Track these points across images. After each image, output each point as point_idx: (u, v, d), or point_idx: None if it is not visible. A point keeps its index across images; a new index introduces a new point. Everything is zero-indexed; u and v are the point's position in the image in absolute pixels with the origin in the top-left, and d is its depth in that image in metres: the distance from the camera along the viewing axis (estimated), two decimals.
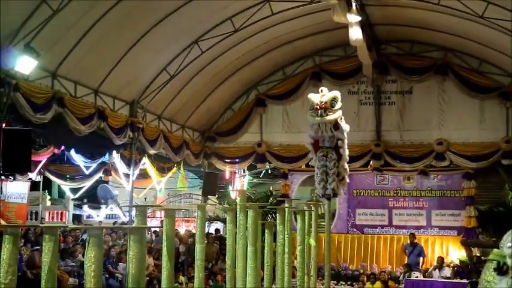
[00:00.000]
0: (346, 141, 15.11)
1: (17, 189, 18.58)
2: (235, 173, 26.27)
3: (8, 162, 13.58)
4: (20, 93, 14.00)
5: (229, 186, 25.84)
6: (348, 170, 15.71)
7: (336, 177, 14.97)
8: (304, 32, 21.02)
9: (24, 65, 13.51)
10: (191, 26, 18.16)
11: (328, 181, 14.89)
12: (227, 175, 25.92)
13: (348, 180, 15.99)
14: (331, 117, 14.20)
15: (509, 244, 4.67)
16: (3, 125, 13.62)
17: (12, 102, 13.87)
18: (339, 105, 14.48)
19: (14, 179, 16.02)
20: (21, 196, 18.93)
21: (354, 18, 16.73)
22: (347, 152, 15.43)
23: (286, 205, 13.59)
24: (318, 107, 14.15)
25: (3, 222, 12.91)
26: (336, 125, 14.56)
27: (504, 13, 16.64)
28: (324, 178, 14.96)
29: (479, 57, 21.59)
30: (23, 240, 15.85)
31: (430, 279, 18.96)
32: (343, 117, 14.75)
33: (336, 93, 14.68)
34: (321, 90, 14.51)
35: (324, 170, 14.94)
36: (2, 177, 14.24)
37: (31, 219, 19.91)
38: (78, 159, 20.44)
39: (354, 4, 16.78)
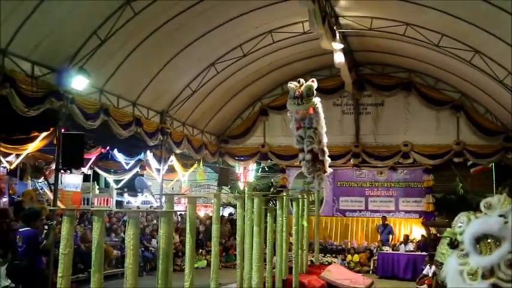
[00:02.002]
0: (322, 121, 15.10)
1: (73, 180, 18.68)
2: (244, 169, 26.33)
3: (66, 160, 13.65)
4: (75, 105, 14.05)
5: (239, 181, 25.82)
6: (324, 142, 15.78)
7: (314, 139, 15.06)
8: (298, 56, 21.00)
9: (79, 83, 13.53)
10: (209, 52, 18.16)
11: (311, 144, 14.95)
12: (238, 170, 25.98)
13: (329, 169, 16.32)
14: (306, 105, 14.21)
15: (459, 224, 4.69)
16: (63, 130, 13.70)
17: (69, 113, 13.88)
18: (314, 93, 14.35)
19: (71, 173, 16.05)
20: (76, 186, 19.04)
21: (337, 45, 16.76)
22: (324, 130, 15.44)
23: (284, 194, 13.61)
24: (296, 95, 14.12)
25: (62, 207, 12.97)
26: (312, 116, 14.57)
27: (454, 43, 16.72)
28: (308, 163, 15.16)
29: (435, 77, 21.53)
30: (77, 221, 15.92)
31: (397, 252, 18.97)
32: (318, 103, 14.60)
33: (311, 84, 14.53)
34: (299, 81, 14.43)
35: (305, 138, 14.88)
36: (61, 171, 14.29)
37: (84, 204, 19.95)
38: (120, 157, 20.49)
39: (337, 35, 16.85)
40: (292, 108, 14.53)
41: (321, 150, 15.58)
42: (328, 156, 22.44)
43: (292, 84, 14.31)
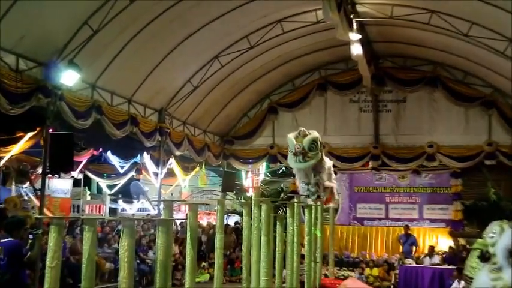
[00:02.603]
0: (325, 173, 15.14)
1: (61, 185, 18.73)
2: (252, 174, 26.36)
3: (54, 162, 13.70)
4: (64, 102, 14.08)
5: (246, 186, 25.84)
6: (334, 190, 16.03)
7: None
8: (311, 48, 21.03)
9: (68, 78, 13.57)
10: (212, 43, 18.20)
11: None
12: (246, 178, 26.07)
13: (336, 197, 16.52)
14: (309, 163, 14.11)
15: (491, 235, 4.67)
16: (50, 130, 13.74)
17: (58, 110, 13.93)
18: (318, 146, 14.26)
19: (59, 177, 16.11)
20: (65, 191, 19.09)
21: (354, 36, 16.80)
22: (328, 183, 15.47)
23: (296, 200, 13.61)
24: (297, 152, 13.98)
25: (49, 214, 13.00)
26: (316, 167, 14.51)
27: (485, 32, 16.66)
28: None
29: (464, 70, 21.55)
30: (66, 230, 15.96)
31: (421, 265, 18.93)
32: (324, 156, 14.87)
33: (315, 136, 14.36)
34: (299, 133, 14.28)
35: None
36: (49, 175, 14.34)
37: (73, 211, 20.03)
38: (113, 159, 20.55)
39: (354, 24, 16.86)
40: (294, 166, 14.58)
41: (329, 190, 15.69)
42: (342, 159, 22.78)
43: (291, 136, 14.31)
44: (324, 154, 15.04)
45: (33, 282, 11.70)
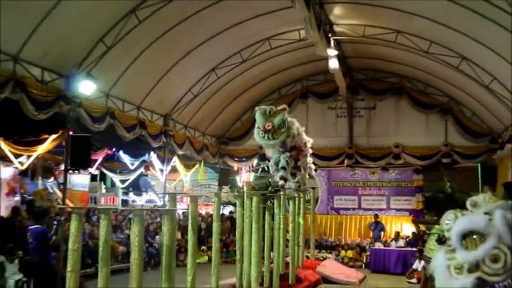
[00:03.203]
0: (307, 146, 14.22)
1: (80, 180, 18.65)
2: (241, 168, 26.30)
3: (74, 160, 13.68)
4: (82, 109, 14.09)
5: (237, 178, 25.77)
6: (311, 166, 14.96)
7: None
8: (294, 62, 21.05)
9: (86, 88, 13.53)
10: (209, 58, 18.21)
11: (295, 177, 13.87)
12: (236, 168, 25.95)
13: (314, 173, 15.29)
14: (277, 140, 12.69)
15: (447, 222, 4.70)
16: (71, 133, 13.73)
17: (77, 116, 13.91)
18: (286, 126, 12.78)
19: (78, 173, 16.07)
20: (84, 185, 19.01)
21: (332, 52, 16.82)
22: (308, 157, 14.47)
23: (282, 193, 13.62)
24: (265, 130, 12.61)
25: (71, 205, 12.99)
26: (284, 144, 13.09)
27: (442, 50, 16.79)
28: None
29: (424, 82, 21.63)
30: (85, 218, 15.93)
31: (388, 248, 19.03)
32: (298, 133, 13.48)
33: (284, 116, 12.84)
34: (268, 111, 12.74)
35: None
36: (70, 171, 14.32)
37: (91, 202, 19.97)
38: (125, 158, 20.52)
39: (332, 42, 16.90)
40: (262, 142, 13.02)
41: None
42: (322, 158, 22.68)
43: (260, 112, 12.65)
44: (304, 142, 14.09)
45: (58, 262, 11.67)
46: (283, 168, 13.03)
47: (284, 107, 12.89)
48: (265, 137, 12.57)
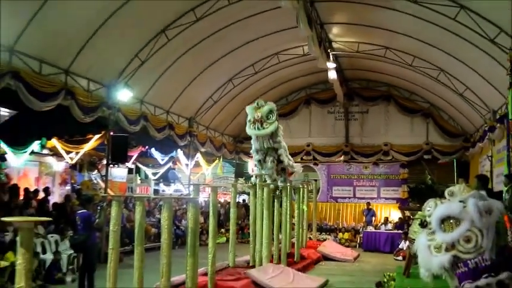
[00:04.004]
0: (282, 145, 13.29)
1: (119, 173, 18.70)
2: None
3: (114, 156, 13.83)
4: (121, 113, 14.19)
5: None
6: (292, 164, 14.11)
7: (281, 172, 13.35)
8: (299, 73, 21.02)
9: (124, 95, 13.67)
10: (227, 70, 18.25)
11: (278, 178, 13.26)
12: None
13: (294, 170, 14.53)
14: (267, 130, 12.40)
15: (428, 208, 4.72)
16: (111, 133, 13.83)
17: (116, 119, 14.05)
18: (275, 116, 12.50)
19: (118, 167, 16.15)
20: (122, 177, 19.08)
21: (331, 65, 16.84)
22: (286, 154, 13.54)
23: (288, 184, 13.66)
24: (254, 120, 12.45)
25: (112, 194, 13.09)
26: (272, 136, 12.79)
27: (424, 63, 16.75)
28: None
29: (409, 91, 21.55)
30: (123, 205, 16.00)
31: (379, 230, 18.98)
32: (280, 127, 13.08)
33: (271, 106, 12.59)
34: (257, 104, 12.60)
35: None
36: (111, 165, 14.42)
37: (128, 191, 20.04)
38: (156, 154, 20.54)
39: (331, 56, 16.90)
40: (252, 133, 12.69)
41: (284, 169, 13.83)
42: (322, 154, 22.65)
43: (250, 107, 12.59)
44: (281, 132, 13.19)
45: (101, 241, 11.79)
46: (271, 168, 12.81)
47: (271, 105, 12.48)
48: (255, 128, 12.35)
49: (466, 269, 4.21)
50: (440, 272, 4.37)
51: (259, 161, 13.10)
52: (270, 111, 12.50)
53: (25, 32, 10.49)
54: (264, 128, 12.42)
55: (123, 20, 12.17)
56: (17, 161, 15.33)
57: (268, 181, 12.64)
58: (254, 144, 13.16)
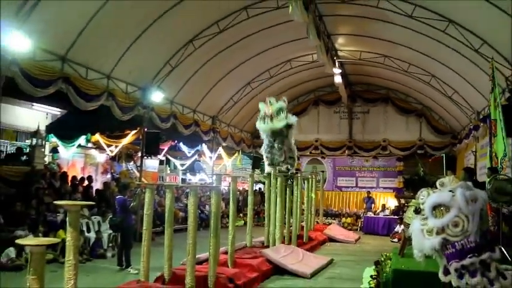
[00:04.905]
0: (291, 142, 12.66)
1: (152, 163, 18.88)
2: None
3: (147, 149, 13.94)
4: (153, 112, 14.26)
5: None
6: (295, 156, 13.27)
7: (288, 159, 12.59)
8: (309, 77, 20.97)
9: (156, 97, 13.75)
10: (246, 75, 18.26)
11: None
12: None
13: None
14: (276, 125, 11.70)
15: (422, 197, 4.70)
16: (145, 129, 13.94)
17: (150, 117, 14.14)
18: (285, 114, 11.71)
19: (151, 158, 16.28)
20: (154, 167, 19.24)
21: (336, 70, 16.78)
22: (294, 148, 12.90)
23: (299, 175, 13.65)
24: (265, 115, 11.76)
25: (145, 182, 13.21)
26: (281, 132, 11.91)
27: (418, 70, 16.69)
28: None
29: (405, 93, 21.35)
30: (155, 192, 16.11)
31: (377, 216, 18.89)
32: (293, 125, 12.24)
33: (283, 104, 11.80)
34: (269, 101, 11.87)
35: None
36: (145, 157, 14.53)
37: (160, 180, 20.20)
38: (184, 148, 20.66)
39: (336, 63, 16.83)
40: (262, 127, 11.95)
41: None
42: (329, 149, 22.54)
43: (263, 103, 11.87)
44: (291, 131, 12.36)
45: (136, 223, 11.92)
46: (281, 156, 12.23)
47: (284, 99, 11.90)
48: (265, 122, 11.74)
49: (454, 250, 4.21)
50: (431, 253, 4.36)
51: (267, 157, 12.62)
52: (281, 109, 12.01)
53: (74, 43, 10.73)
54: (273, 122, 11.84)
55: (156, 32, 12.25)
56: (67, 153, 15.58)
57: (279, 167, 12.11)
58: (264, 140, 12.65)
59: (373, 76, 20.62)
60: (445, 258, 4.28)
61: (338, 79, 17.27)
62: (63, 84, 10.60)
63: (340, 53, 17.71)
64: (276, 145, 12.14)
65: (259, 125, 12.13)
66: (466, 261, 4.13)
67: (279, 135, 12.26)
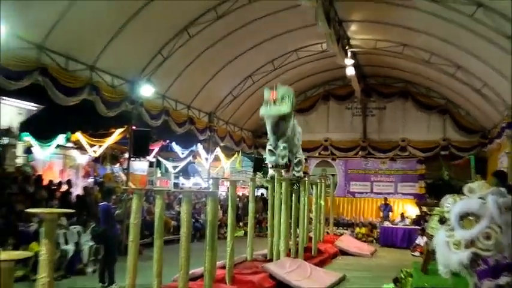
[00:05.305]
0: (297, 138, 13.08)
1: (141, 166, 18.89)
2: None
3: (136, 150, 13.91)
4: (143, 108, 14.26)
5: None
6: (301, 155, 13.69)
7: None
8: (318, 69, 20.92)
9: (146, 91, 13.71)
10: (247, 66, 18.20)
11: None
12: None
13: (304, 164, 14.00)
14: (279, 109, 11.52)
15: (447, 205, 4.62)
16: (133, 127, 13.90)
17: (138, 113, 14.13)
18: (290, 101, 11.59)
19: (139, 160, 16.26)
20: (143, 170, 19.25)
21: (349, 61, 16.70)
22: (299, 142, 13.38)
23: (306, 179, 13.58)
24: (270, 99, 11.59)
25: (133, 186, 13.15)
26: (283, 119, 11.91)
27: (441, 60, 16.57)
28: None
29: (426, 87, 21.25)
30: (144, 198, 16.11)
31: (396, 226, 18.80)
32: (293, 117, 12.49)
33: (288, 90, 11.79)
34: (276, 86, 11.73)
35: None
36: (132, 159, 14.48)
37: (149, 184, 20.20)
38: (176, 148, 20.67)
39: (349, 53, 16.75)
40: (266, 113, 11.79)
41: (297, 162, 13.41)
42: (340, 149, 22.45)
43: (267, 88, 11.94)
44: (295, 120, 12.77)
45: (122, 233, 11.85)
46: (284, 149, 12.24)
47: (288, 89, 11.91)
48: (269, 106, 11.53)
49: (486, 267, 4.11)
50: (459, 269, 4.27)
51: (270, 150, 12.50)
52: (286, 94, 11.76)
53: (53, 29, 10.62)
54: (277, 107, 11.57)
55: (146, 18, 12.18)
56: (43, 154, 15.54)
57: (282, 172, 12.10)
58: (268, 129, 12.51)
59: (390, 68, 20.54)
60: (475, 276, 4.18)
61: (350, 71, 17.19)
62: (39, 76, 10.53)
63: (353, 42, 17.63)
64: (280, 145, 12.11)
65: (261, 111, 11.96)
66: (502, 280, 4.02)
67: (283, 135, 12.24)
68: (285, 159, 12.23)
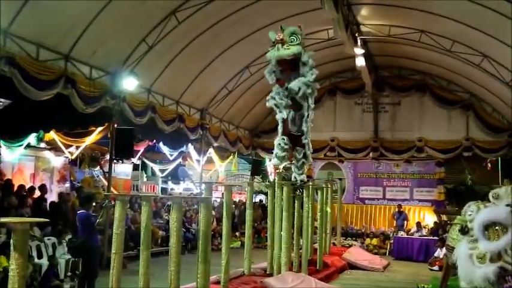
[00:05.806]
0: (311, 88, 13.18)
1: (124, 169, 18.90)
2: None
3: (118, 151, 13.89)
4: (126, 104, 14.26)
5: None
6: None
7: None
8: (323, 60, 20.75)
9: (129, 84, 13.70)
10: (243, 56, 18.24)
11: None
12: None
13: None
14: (288, 51, 11.88)
15: (470, 213, 4.64)
16: (115, 125, 13.89)
17: (121, 110, 14.12)
18: (299, 39, 11.92)
19: (122, 162, 16.24)
20: (127, 174, 19.26)
21: (359, 50, 16.72)
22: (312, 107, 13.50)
23: (310, 183, 13.58)
24: (277, 40, 11.87)
25: (115, 192, 13.15)
26: (295, 62, 12.24)
27: (464, 48, 16.60)
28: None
29: (447, 79, 21.29)
30: (128, 205, 16.12)
31: (411, 236, 18.84)
32: (309, 54, 12.62)
33: (296, 28, 11.98)
34: (281, 27, 12.03)
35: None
36: (114, 161, 14.47)
37: (133, 190, 20.17)
38: (164, 149, 20.62)
39: (359, 41, 16.77)
40: (271, 54, 12.05)
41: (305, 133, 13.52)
42: (348, 150, 22.48)
43: (273, 32, 12.13)
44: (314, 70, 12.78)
45: (103, 244, 11.84)
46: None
47: (299, 25, 12.07)
48: (276, 48, 11.74)
49: None
50: (484, 285, 4.28)
51: (283, 119, 12.75)
52: (294, 33, 12.08)
53: (21, 13, 10.53)
54: (285, 49, 11.86)
55: (128, 1, 12.19)
56: (11, 156, 15.48)
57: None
58: (276, 96, 12.80)
59: (405, 58, 20.60)
60: None
61: (360, 61, 17.22)
62: (6, 67, 10.42)
63: (363, 28, 17.68)
64: (296, 115, 12.57)
65: (268, 55, 12.23)
66: None
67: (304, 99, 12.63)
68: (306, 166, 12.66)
